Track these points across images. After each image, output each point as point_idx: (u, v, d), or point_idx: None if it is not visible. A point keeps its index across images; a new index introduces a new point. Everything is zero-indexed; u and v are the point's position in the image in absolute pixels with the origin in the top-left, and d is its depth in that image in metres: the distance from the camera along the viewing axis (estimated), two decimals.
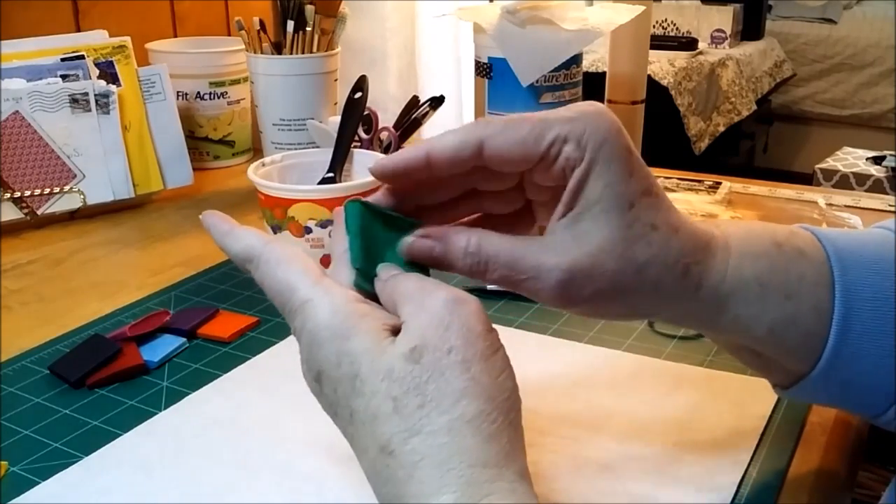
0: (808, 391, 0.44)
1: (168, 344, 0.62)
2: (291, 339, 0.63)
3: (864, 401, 0.44)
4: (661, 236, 0.40)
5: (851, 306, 0.42)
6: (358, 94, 0.84)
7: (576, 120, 0.40)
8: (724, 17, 3.22)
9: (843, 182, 2.66)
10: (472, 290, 0.70)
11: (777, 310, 0.42)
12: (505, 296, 0.70)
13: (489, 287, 0.71)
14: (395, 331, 0.38)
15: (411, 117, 0.95)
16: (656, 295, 0.41)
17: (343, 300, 0.39)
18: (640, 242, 0.40)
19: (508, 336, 0.63)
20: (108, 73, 0.92)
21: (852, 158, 2.77)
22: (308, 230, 0.73)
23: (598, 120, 0.40)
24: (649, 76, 1.10)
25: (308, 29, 0.95)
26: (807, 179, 2.71)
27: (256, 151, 1.10)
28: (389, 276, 0.40)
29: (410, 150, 0.41)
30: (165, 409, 0.55)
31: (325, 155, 0.80)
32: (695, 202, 0.93)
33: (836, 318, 0.42)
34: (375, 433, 0.36)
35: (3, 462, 0.49)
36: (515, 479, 0.35)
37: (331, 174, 0.78)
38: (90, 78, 0.90)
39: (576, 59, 0.89)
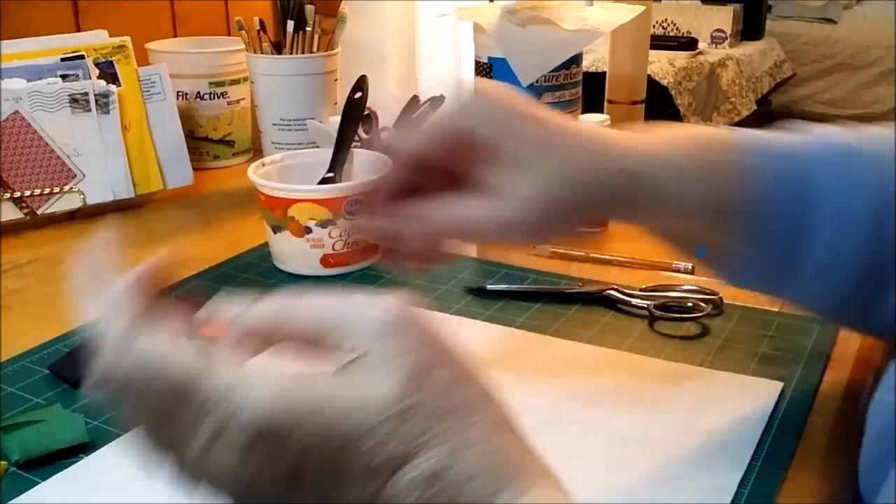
0: (749, 258, 0.50)
1: None
2: None
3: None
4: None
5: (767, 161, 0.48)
6: (358, 94, 0.84)
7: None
8: (724, 17, 3.22)
9: None
10: (471, 290, 0.71)
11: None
12: (505, 296, 0.70)
13: (489, 287, 0.71)
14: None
15: (411, 117, 0.95)
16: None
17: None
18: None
19: (508, 336, 0.64)
20: (108, 72, 0.92)
21: None
22: (308, 230, 0.73)
23: None
24: (649, 76, 1.10)
25: (308, 29, 0.95)
26: None
27: (256, 151, 1.10)
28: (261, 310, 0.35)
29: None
30: None
31: (325, 155, 0.80)
32: None
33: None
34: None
35: (2, 462, 0.49)
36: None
37: (331, 174, 0.78)
38: (90, 78, 0.90)
39: (576, 59, 0.89)
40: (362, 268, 0.76)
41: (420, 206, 0.48)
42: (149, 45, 1.06)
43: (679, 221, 0.50)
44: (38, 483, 0.48)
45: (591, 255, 0.78)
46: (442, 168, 0.49)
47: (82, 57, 0.90)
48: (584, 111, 0.92)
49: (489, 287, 0.71)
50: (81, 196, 0.89)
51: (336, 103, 0.99)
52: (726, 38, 3.21)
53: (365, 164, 0.80)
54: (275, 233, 0.75)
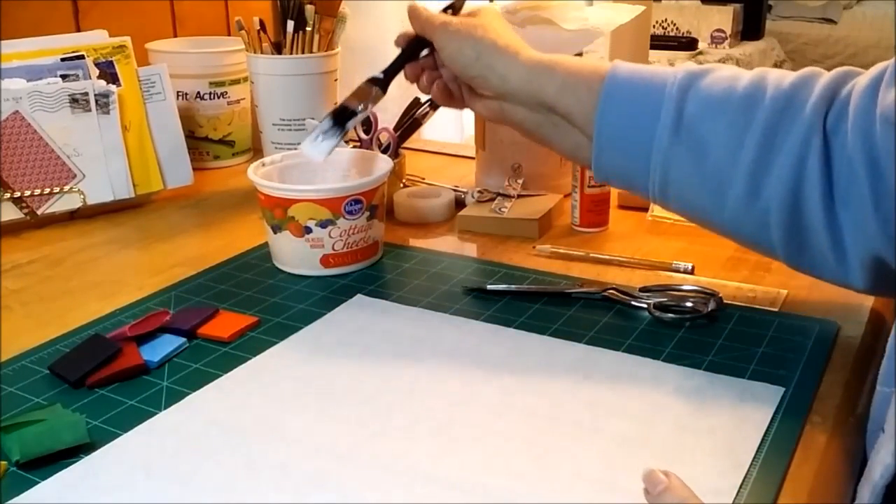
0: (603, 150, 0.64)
1: (168, 344, 0.62)
2: (291, 339, 0.63)
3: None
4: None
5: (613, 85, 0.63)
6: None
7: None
8: (724, 17, 3.23)
9: None
10: (471, 290, 0.71)
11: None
12: (505, 296, 0.70)
13: (489, 287, 0.71)
14: None
15: (411, 118, 0.95)
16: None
17: None
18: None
19: (509, 336, 0.64)
20: (108, 72, 0.92)
21: None
22: (308, 230, 0.73)
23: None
24: None
25: (308, 29, 0.95)
26: None
27: (256, 151, 1.10)
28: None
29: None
30: (165, 408, 0.55)
31: None
32: None
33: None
34: None
35: (2, 462, 0.49)
36: None
37: (380, 75, 0.77)
38: (90, 78, 0.90)
39: None
40: (362, 268, 0.76)
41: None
42: (149, 45, 1.06)
43: (525, 114, 0.69)
44: (38, 483, 0.48)
45: (591, 255, 0.78)
46: None
47: (82, 57, 0.90)
48: None
49: (489, 287, 0.71)
50: (81, 196, 0.89)
51: (336, 103, 0.99)
52: (726, 38, 3.21)
53: (365, 164, 0.80)
54: (275, 233, 0.75)
